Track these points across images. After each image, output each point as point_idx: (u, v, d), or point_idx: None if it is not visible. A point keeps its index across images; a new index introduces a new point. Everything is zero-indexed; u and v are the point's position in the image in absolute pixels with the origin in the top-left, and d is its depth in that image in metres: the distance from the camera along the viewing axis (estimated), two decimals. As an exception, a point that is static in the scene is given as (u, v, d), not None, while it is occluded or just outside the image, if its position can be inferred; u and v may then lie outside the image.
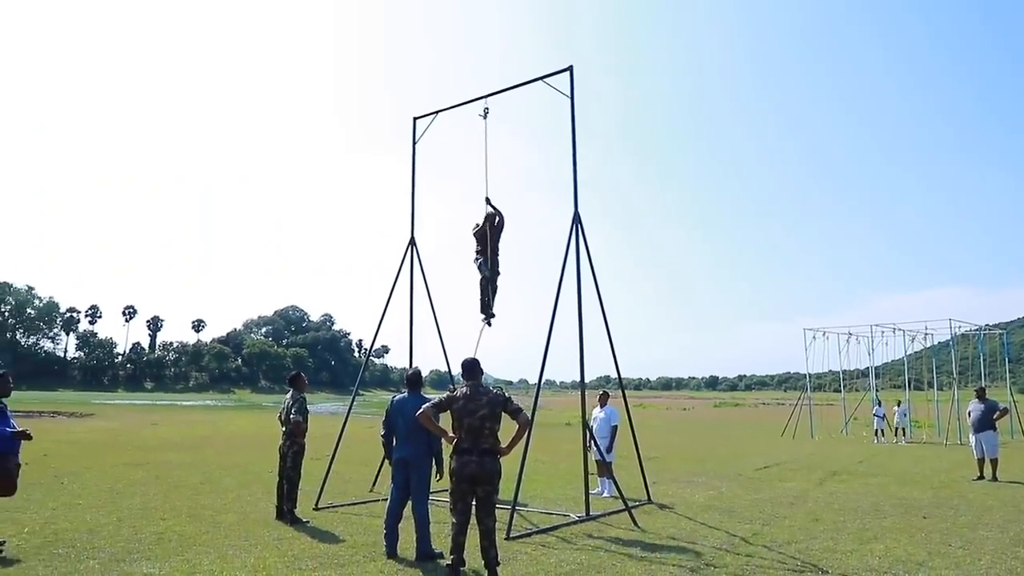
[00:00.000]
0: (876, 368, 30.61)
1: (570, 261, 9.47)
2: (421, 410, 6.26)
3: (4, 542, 7.00)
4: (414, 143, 11.71)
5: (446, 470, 6.64)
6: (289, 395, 9.02)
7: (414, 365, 9.98)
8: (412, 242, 11.40)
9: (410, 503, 7.06)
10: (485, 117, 10.63)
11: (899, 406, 25.36)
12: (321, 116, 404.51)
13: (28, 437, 7.06)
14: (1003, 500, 10.86)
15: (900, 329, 28.18)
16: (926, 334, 27.95)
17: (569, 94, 9.76)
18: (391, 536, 7.01)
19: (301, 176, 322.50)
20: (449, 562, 5.94)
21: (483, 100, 10.65)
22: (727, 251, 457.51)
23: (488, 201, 10.38)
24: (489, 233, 10.19)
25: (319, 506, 9.54)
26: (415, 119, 11.72)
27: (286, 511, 8.66)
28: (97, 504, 9.65)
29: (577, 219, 9.61)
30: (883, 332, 28.70)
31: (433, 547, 6.96)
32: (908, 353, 29.37)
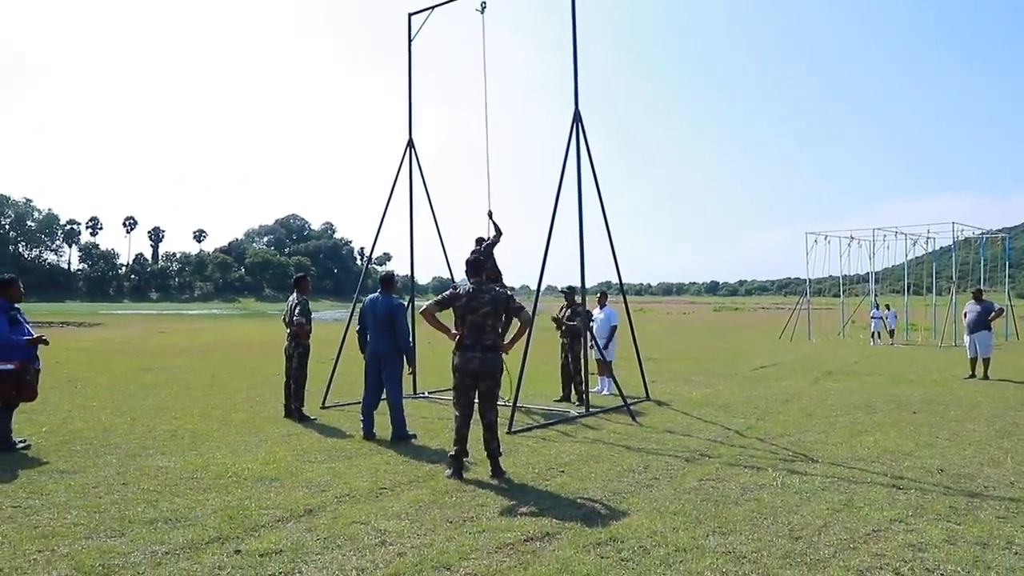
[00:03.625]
0: (876, 273, 30.77)
1: (571, 163, 9.37)
2: (423, 308, 6.34)
3: (26, 441, 7.27)
4: (410, 40, 11.35)
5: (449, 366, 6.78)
6: (292, 297, 9.16)
7: (388, 268, 10.24)
8: (410, 143, 11.23)
9: (386, 393, 7.87)
10: (483, 12, 10.27)
11: (888, 310, 25.57)
12: (316, 20, 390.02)
13: (45, 342, 7.29)
14: (992, 397, 11.13)
15: (902, 233, 28.13)
16: (928, 238, 27.89)
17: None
18: (367, 421, 7.85)
19: (300, 82, 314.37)
20: (453, 453, 6.15)
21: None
22: (729, 160, 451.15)
23: (490, 215, 10.29)
24: (486, 247, 10.04)
25: (326, 405, 9.84)
26: (410, 15, 11.31)
27: (294, 409, 8.93)
28: (111, 405, 9.94)
29: (577, 117, 9.43)
30: (885, 236, 28.68)
31: (408, 430, 7.85)
32: (909, 258, 29.45)
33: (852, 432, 8.18)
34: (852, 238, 29.46)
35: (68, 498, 5.37)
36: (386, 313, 7.91)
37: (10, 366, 6.88)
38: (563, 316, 10.90)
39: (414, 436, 7.78)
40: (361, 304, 8.26)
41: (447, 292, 6.42)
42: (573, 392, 10.61)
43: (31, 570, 3.99)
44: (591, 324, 11.00)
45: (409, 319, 8.80)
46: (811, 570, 4.04)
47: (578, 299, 10.34)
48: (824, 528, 4.77)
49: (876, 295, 29.62)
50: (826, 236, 29.27)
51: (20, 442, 7.15)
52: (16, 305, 7.21)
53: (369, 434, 7.77)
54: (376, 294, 8.09)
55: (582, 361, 9.87)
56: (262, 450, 7.15)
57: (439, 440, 7.66)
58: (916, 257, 30.82)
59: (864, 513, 5.10)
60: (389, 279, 8.15)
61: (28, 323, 7.38)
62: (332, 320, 41.04)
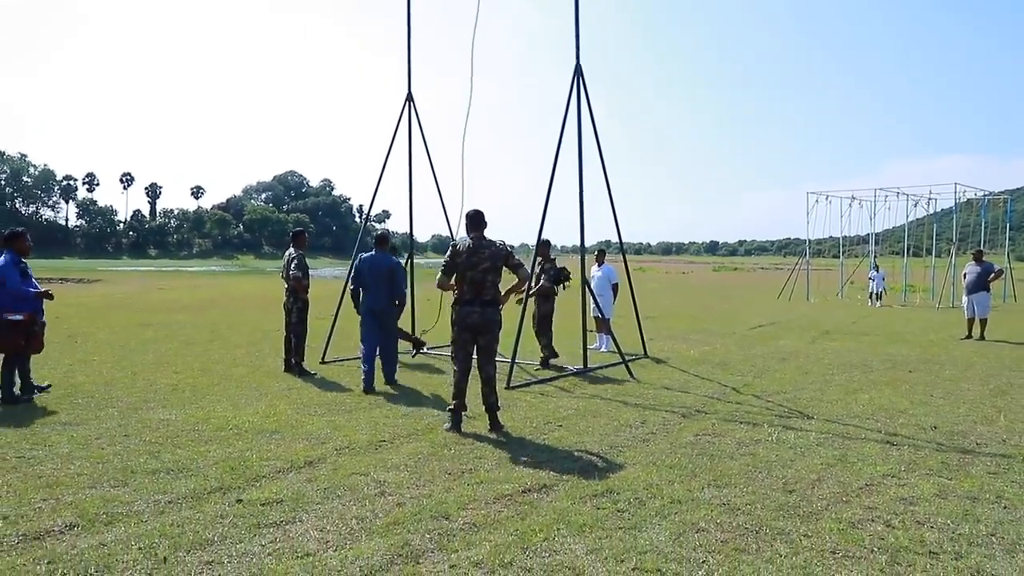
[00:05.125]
0: (876, 235, 30.67)
1: (571, 119, 9.27)
2: (437, 283, 6.32)
3: (50, 385, 7.66)
4: (409, -8, 11.11)
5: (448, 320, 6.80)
6: (289, 252, 9.15)
7: (385, 226, 10.26)
8: (409, 98, 11.07)
9: (380, 344, 8.33)
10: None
11: (877, 271, 25.51)
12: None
13: (50, 297, 7.44)
14: (988, 357, 11.21)
15: (904, 194, 27.96)
16: (930, 199, 27.73)
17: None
18: (369, 376, 8.05)
19: (298, 37, 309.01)
20: (451, 407, 6.21)
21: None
22: (730, 121, 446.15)
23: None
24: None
25: (325, 360, 9.90)
26: (409, -34, 11.06)
27: (293, 364, 8.99)
28: (111, 360, 9.99)
29: (579, 72, 9.30)
30: (887, 196, 28.51)
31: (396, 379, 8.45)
32: (910, 219, 29.31)
33: (848, 390, 8.26)
34: (853, 198, 29.31)
35: (71, 449, 5.44)
36: (386, 270, 8.23)
37: (20, 316, 7.00)
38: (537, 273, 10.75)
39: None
40: (357, 262, 8.45)
41: (448, 253, 6.35)
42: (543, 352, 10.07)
43: (37, 517, 4.05)
44: (589, 281, 10.98)
45: (408, 276, 8.88)
46: (804, 522, 4.11)
47: (555, 255, 10.24)
48: (818, 482, 4.84)
49: (876, 256, 29.57)
50: (827, 196, 29.11)
51: (42, 387, 7.52)
52: (24, 260, 7.32)
53: (369, 388, 7.95)
54: (372, 252, 8.40)
55: (550, 321, 9.61)
56: (262, 404, 7.21)
57: (438, 395, 7.73)
58: (917, 218, 30.71)
59: (857, 468, 5.17)
60: (384, 237, 8.56)
61: (33, 276, 7.50)
62: (331, 277, 41.03)
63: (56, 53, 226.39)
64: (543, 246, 9.97)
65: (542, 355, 9.90)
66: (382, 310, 8.25)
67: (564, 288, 10.26)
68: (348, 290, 8.73)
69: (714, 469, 5.10)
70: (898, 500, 4.50)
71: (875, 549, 3.75)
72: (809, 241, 30.82)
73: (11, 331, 6.98)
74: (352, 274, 8.56)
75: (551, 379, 8.83)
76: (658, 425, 6.45)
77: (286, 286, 9.16)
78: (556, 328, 10.14)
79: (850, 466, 5.22)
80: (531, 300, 10.51)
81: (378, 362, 8.32)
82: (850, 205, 29.34)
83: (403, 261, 10.57)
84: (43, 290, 7.40)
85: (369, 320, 8.26)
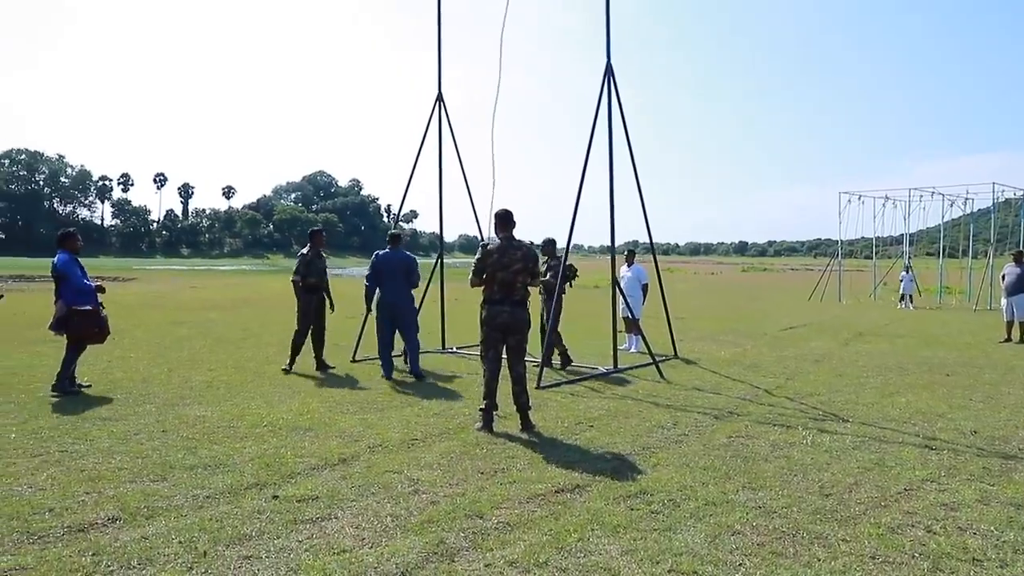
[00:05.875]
0: (911, 235, 30.08)
1: (601, 117, 9.23)
2: (470, 283, 6.35)
3: (90, 384, 7.87)
4: (439, -8, 11.16)
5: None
6: (302, 251, 9.48)
7: (409, 227, 10.50)
8: (439, 98, 11.11)
9: (404, 337, 8.91)
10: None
11: (906, 273, 24.98)
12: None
13: (102, 290, 7.92)
14: (1029, 359, 10.94)
15: (939, 193, 27.43)
16: (967, 199, 27.18)
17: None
18: (387, 364, 8.80)
19: (328, 38, 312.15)
20: (483, 407, 6.22)
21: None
22: (759, 119, 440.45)
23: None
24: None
25: (356, 359, 9.98)
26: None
27: (306, 362, 9.25)
28: (148, 357, 10.18)
29: (609, 71, 9.26)
30: (921, 196, 27.98)
31: (420, 369, 8.92)
32: (945, 220, 28.75)
33: (883, 393, 8.12)
34: (887, 198, 28.82)
35: (111, 444, 5.55)
36: (401, 265, 8.84)
37: (88, 307, 7.48)
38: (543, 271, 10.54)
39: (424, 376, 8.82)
40: (373, 259, 8.99)
41: (478, 254, 6.36)
42: (556, 355, 9.81)
43: (80, 510, 4.14)
44: (619, 282, 10.91)
45: (438, 276, 9.03)
46: (842, 526, 4.05)
47: (561, 253, 10.14)
48: (855, 486, 4.77)
49: (910, 257, 29.03)
50: (860, 196, 28.66)
51: (83, 385, 7.78)
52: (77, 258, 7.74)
53: (388, 375, 8.67)
54: (387, 250, 8.95)
55: (555, 321, 9.25)
56: (295, 401, 7.29)
57: (469, 394, 7.74)
58: (953, 219, 30.12)
59: (895, 472, 5.08)
60: (397, 236, 9.11)
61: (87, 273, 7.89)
62: (360, 276, 41.35)
63: (93, 56, 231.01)
64: (548, 244, 10.02)
65: (550, 356, 9.58)
66: (398, 303, 8.80)
67: (570, 286, 9.95)
68: (364, 286, 9.17)
69: (748, 471, 5.04)
70: (939, 505, 4.42)
71: (916, 555, 3.68)
72: (841, 242, 30.36)
73: (83, 321, 7.46)
74: (369, 271, 8.98)
75: (581, 379, 8.81)
76: (690, 426, 6.40)
77: None
78: (585, 329, 10.13)
79: (888, 470, 5.13)
80: (540, 300, 10.41)
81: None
82: (883, 205, 28.87)
83: (434, 260, 10.65)
84: (98, 283, 7.91)
85: (384, 313, 8.82)
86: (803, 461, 5.32)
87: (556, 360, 9.79)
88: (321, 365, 9.26)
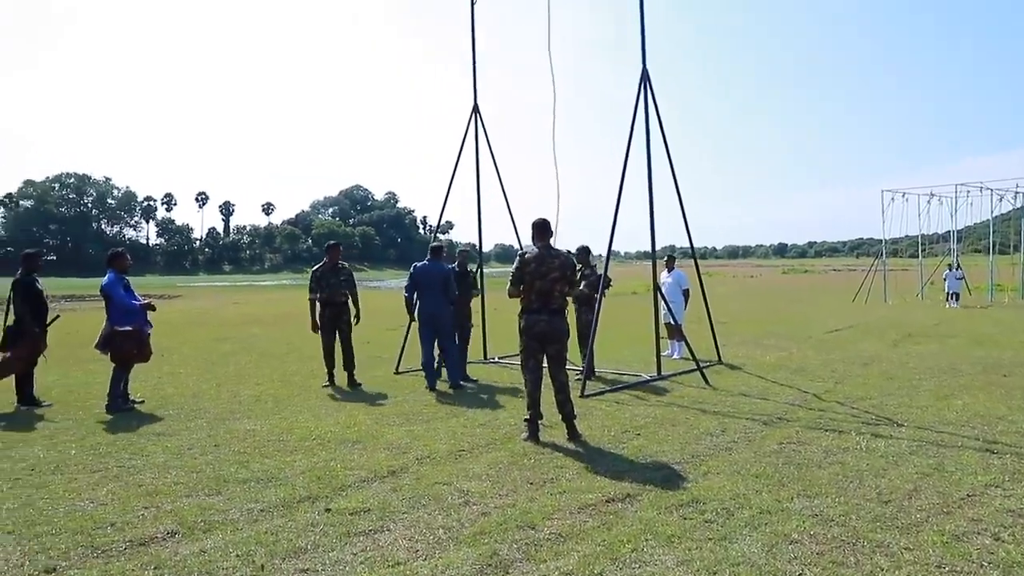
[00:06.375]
0: (958, 232, 29.28)
1: (638, 124, 9.19)
2: (508, 293, 6.34)
3: (143, 400, 8.04)
4: (472, 3, 11.24)
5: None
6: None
7: (443, 238, 10.58)
8: (476, 109, 11.18)
9: (441, 348, 9.03)
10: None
11: (953, 270, 24.23)
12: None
13: (153, 308, 8.02)
14: (1090, 358, 10.55)
15: (988, 188, 26.66)
16: (1017, 192, 26.40)
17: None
18: (430, 375, 8.90)
19: (361, 52, 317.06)
20: (527, 416, 6.20)
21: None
22: (795, 115, 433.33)
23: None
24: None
25: (399, 371, 10.05)
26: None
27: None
28: (196, 372, 10.40)
29: (645, 77, 9.22)
30: (968, 192, 27.24)
31: (465, 378, 9.21)
32: (994, 215, 27.94)
33: (938, 395, 7.89)
34: (932, 195, 28.13)
35: (167, 459, 5.67)
36: (439, 277, 8.87)
37: (128, 328, 7.59)
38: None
39: (475, 382, 9.22)
40: (412, 272, 9.03)
41: (515, 264, 6.34)
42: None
43: (140, 524, 4.23)
44: (660, 287, 10.82)
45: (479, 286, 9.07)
46: (904, 534, 3.94)
47: (596, 262, 10.01)
48: (914, 492, 4.64)
49: (958, 255, 28.23)
50: (903, 193, 28.03)
51: (136, 400, 7.93)
52: (125, 276, 7.89)
53: (433, 386, 8.77)
54: (426, 261, 9.00)
55: (593, 328, 8.95)
56: (342, 414, 7.37)
57: (513, 404, 7.74)
58: (1002, 213, 29.23)
59: (956, 477, 4.93)
60: (439, 248, 9.13)
61: (135, 291, 8.03)
62: (399, 288, 41.72)
63: (136, 78, 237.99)
64: (583, 252, 9.73)
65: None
66: (437, 314, 8.84)
67: (604, 295, 9.75)
68: (404, 297, 9.22)
69: (802, 478, 4.94)
70: (1005, 512, 4.27)
71: (985, 564, 3.56)
72: (885, 241, 29.71)
73: (123, 341, 7.59)
74: (408, 282, 9.06)
75: (625, 387, 8.74)
76: (739, 433, 6.30)
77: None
78: (626, 336, 10.04)
79: (948, 476, 4.98)
80: (573, 308, 10.29)
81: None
82: (928, 202, 28.18)
83: (474, 269, 10.64)
84: (146, 301, 8.02)
85: (427, 324, 8.87)
86: (858, 467, 5.19)
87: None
88: (351, 382, 9.11)
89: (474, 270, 10.19)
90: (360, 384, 9.11)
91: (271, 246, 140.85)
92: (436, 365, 9.08)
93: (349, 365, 9.22)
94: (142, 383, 9.14)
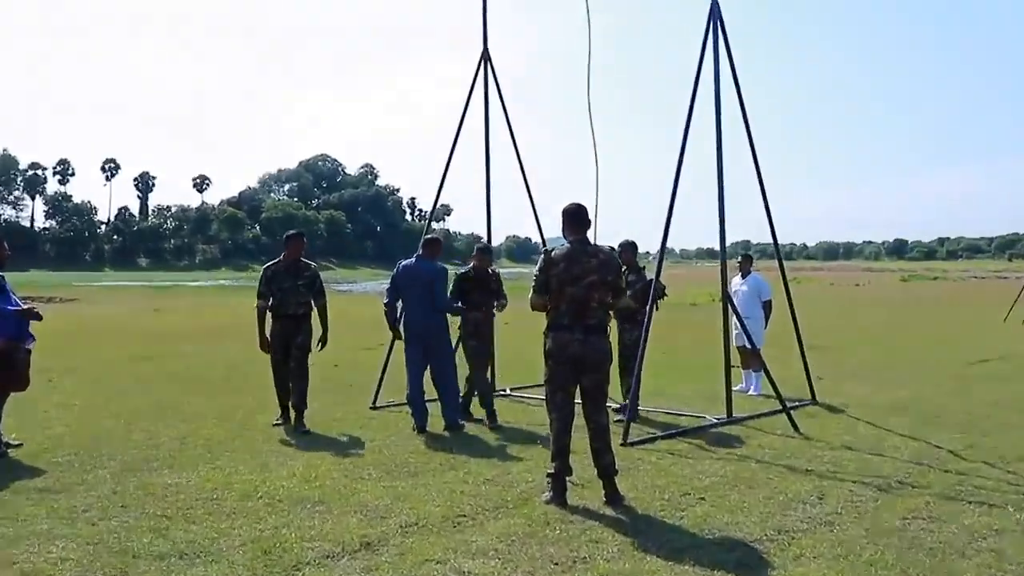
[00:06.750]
0: None
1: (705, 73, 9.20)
2: (531, 304, 6.35)
3: (20, 443, 7.86)
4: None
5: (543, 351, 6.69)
6: None
7: (443, 227, 10.41)
8: (485, 57, 11.06)
9: (434, 375, 9.04)
10: None
11: None
12: None
13: (37, 317, 7.72)
14: None
15: None
16: None
17: None
18: (417, 412, 8.82)
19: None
20: (552, 470, 6.18)
21: None
22: (914, 78, 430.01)
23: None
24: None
25: (376, 404, 10.10)
26: None
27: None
28: (97, 404, 10.49)
29: (715, 13, 9.22)
30: None
31: (461, 419, 9.05)
32: None
33: (1125, 455, 7.80)
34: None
35: (52, 525, 5.66)
36: (425, 279, 8.85)
37: None
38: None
39: (494, 415, 9.17)
40: (394, 272, 9.17)
41: (539, 264, 6.37)
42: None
43: (16, 615, 4.23)
44: (731, 298, 10.75)
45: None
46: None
47: (645, 263, 9.90)
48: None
49: None
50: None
51: (11, 444, 7.75)
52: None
53: (422, 426, 8.75)
54: (412, 259, 9.04)
55: (639, 352, 8.85)
56: (299, 463, 7.39)
57: (531, 453, 7.74)
58: None
59: None
60: (434, 242, 9.18)
61: (13, 293, 7.78)
62: (376, 293, 41.69)
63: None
64: (627, 250, 9.68)
65: (623, 401, 9.43)
66: (425, 330, 8.91)
67: (656, 308, 9.65)
68: (383, 305, 9.32)
69: (937, 570, 4.87)
70: None
71: None
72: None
73: None
74: (388, 285, 9.23)
75: (683, 432, 8.72)
76: (843, 502, 6.26)
77: None
78: (687, 364, 10.02)
79: None
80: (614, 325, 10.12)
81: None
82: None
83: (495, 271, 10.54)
84: (26, 308, 7.74)
85: (414, 344, 8.97)
86: (1019, 556, 5.12)
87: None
88: (298, 425, 8.93)
89: (495, 271, 10.04)
90: (308, 431, 8.80)
91: (205, 234, 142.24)
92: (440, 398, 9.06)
93: (299, 402, 9.03)
94: (19, 419, 9.15)
